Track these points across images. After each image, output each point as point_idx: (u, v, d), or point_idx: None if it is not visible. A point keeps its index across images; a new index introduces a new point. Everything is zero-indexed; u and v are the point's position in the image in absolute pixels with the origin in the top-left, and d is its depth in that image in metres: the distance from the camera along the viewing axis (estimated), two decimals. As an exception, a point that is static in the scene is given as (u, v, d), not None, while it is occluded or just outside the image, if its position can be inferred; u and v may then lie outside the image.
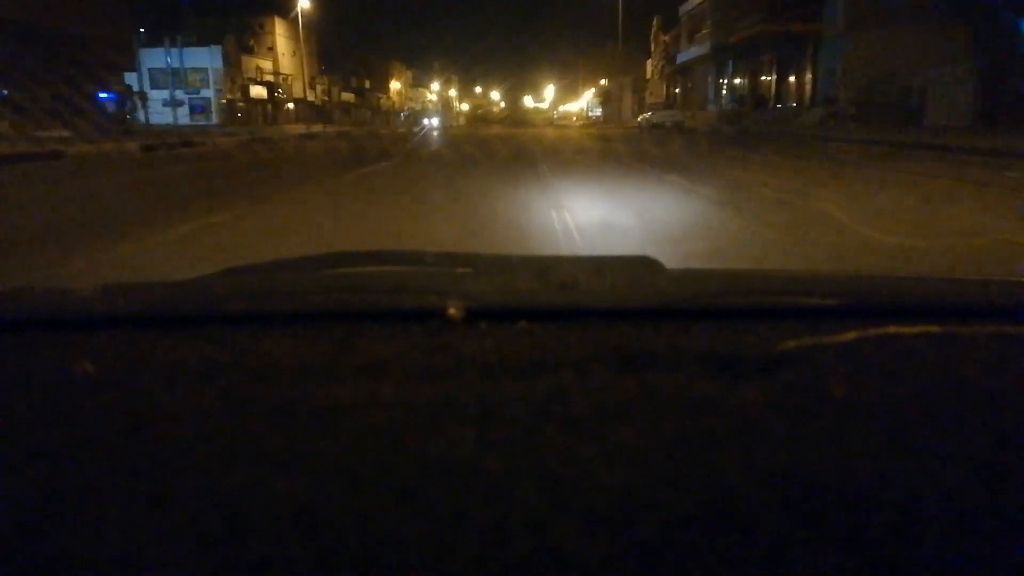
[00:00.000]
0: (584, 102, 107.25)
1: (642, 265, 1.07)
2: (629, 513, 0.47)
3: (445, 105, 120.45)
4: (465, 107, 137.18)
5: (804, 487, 0.50)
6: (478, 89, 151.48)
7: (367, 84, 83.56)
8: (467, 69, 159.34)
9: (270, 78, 55.57)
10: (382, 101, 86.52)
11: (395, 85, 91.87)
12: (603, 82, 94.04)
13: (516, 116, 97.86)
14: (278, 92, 56.80)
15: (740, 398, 0.62)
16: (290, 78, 57.45)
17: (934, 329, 0.78)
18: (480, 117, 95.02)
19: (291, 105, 56.88)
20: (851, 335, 0.74)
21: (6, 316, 0.84)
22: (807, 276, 1.30)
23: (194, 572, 0.43)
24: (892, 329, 0.76)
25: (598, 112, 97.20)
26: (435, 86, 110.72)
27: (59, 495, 0.50)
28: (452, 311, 0.77)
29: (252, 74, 53.17)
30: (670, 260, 1.05)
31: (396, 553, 0.44)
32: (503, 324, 0.77)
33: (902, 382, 0.66)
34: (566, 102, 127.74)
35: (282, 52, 58.15)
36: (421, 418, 0.58)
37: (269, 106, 54.34)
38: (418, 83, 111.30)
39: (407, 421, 0.58)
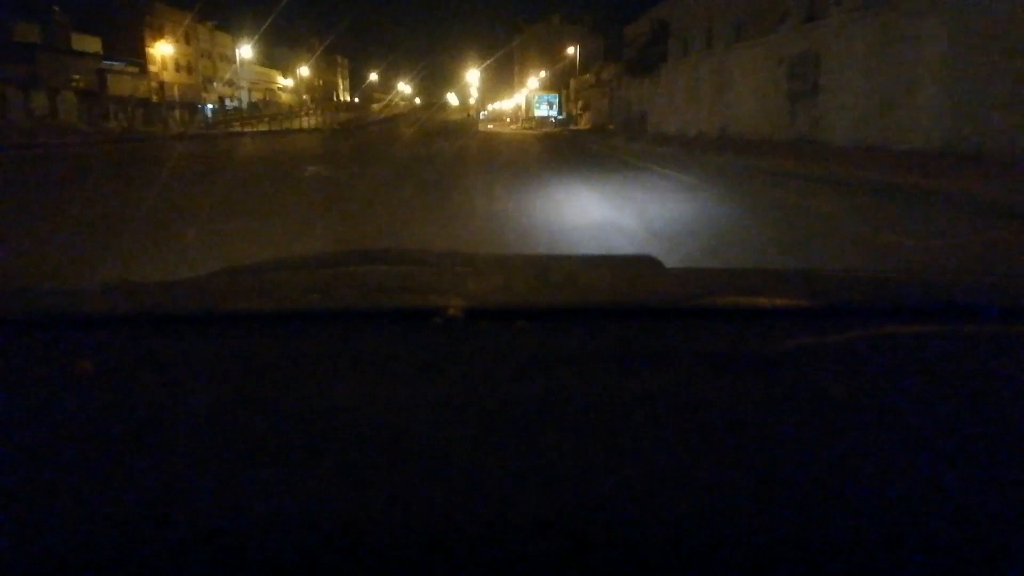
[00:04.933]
0: (523, 97, 76.96)
1: (642, 264, 1.11)
2: (628, 512, 0.47)
3: (320, 101, 77.57)
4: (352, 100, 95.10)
5: (804, 486, 0.50)
6: (373, 76, 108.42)
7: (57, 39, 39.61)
8: (363, 52, 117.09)
9: None
10: (116, 79, 42.42)
11: (165, 50, 47.85)
12: (571, 51, 53.98)
13: (432, 121, 57.11)
14: None
15: (740, 398, 0.61)
16: None
17: (934, 329, 0.77)
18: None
19: None
20: (851, 335, 0.73)
21: (6, 316, 0.82)
22: (807, 276, 1.24)
23: (197, 570, 0.43)
24: (892, 329, 0.75)
25: (545, 111, 59.15)
26: (244, 50, 65.97)
27: (60, 494, 0.49)
28: (452, 311, 0.75)
29: None
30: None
31: (395, 551, 0.44)
32: (503, 324, 0.75)
33: (902, 382, 0.65)
34: (498, 99, 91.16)
35: None
36: (421, 417, 0.57)
37: None
38: (262, 60, 67.72)
39: (407, 420, 0.57)
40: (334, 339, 0.72)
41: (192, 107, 50.03)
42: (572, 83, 65.54)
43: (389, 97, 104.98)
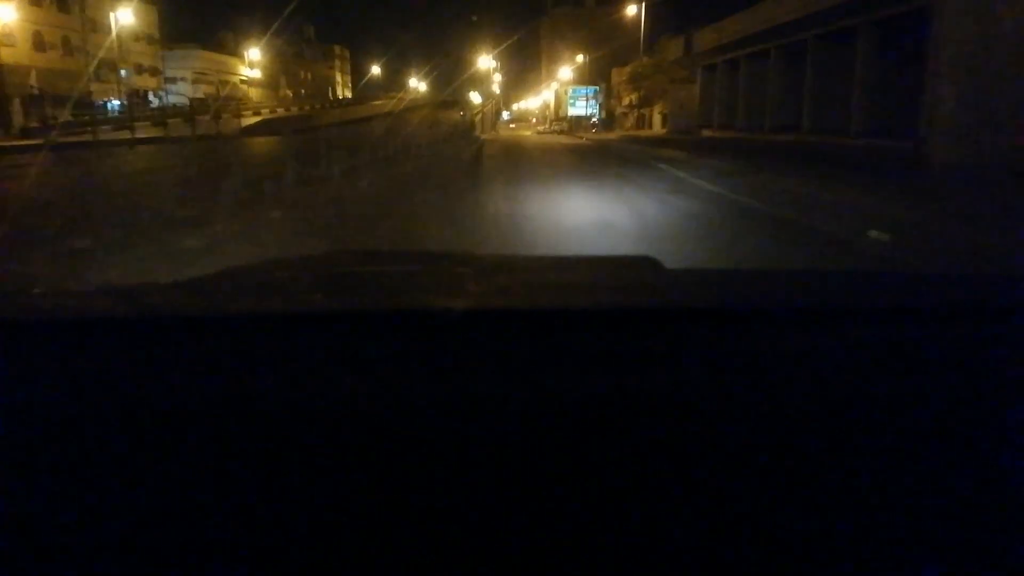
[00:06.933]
0: (551, 93, 66.54)
1: (642, 265, 1.12)
2: (628, 511, 0.48)
3: (306, 98, 61.92)
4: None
5: (804, 486, 0.50)
6: (375, 70, 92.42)
7: None
8: (370, 47, 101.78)
9: None
10: None
11: (3, 15, 31.64)
12: (632, 10, 37.35)
13: (429, 126, 41.06)
14: None
15: (740, 398, 0.61)
16: None
17: (935, 329, 0.77)
18: None
19: None
20: (851, 335, 0.74)
21: (6, 316, 0.82)
22: (807, 276, 1.23)
23: (196, 566, 0.44)
24: (892, 329, 0.76)
25: (583, 109, 43.93)
26: (124, 15, 49.33)
27: (60, 494, 0.50)
28: (452, 312, 0.75)
29: None
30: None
31: (395, 548, 0.45)
32: (503, 324, 0.75)
33: (902, 382, 0.66)
34: (523, 97, 78.17)
35: None
36: (421, 418, 0.58)
37: None
38: (201, 42, 51.95)
39: (407, 421, 0.58)
40: (335, 340, 0.72)
41: (82, 103, 34.20)
42: (614, 74, 49.25)
43: (399, 95, 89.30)
